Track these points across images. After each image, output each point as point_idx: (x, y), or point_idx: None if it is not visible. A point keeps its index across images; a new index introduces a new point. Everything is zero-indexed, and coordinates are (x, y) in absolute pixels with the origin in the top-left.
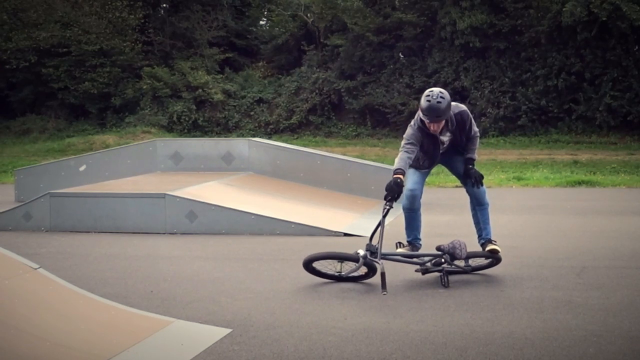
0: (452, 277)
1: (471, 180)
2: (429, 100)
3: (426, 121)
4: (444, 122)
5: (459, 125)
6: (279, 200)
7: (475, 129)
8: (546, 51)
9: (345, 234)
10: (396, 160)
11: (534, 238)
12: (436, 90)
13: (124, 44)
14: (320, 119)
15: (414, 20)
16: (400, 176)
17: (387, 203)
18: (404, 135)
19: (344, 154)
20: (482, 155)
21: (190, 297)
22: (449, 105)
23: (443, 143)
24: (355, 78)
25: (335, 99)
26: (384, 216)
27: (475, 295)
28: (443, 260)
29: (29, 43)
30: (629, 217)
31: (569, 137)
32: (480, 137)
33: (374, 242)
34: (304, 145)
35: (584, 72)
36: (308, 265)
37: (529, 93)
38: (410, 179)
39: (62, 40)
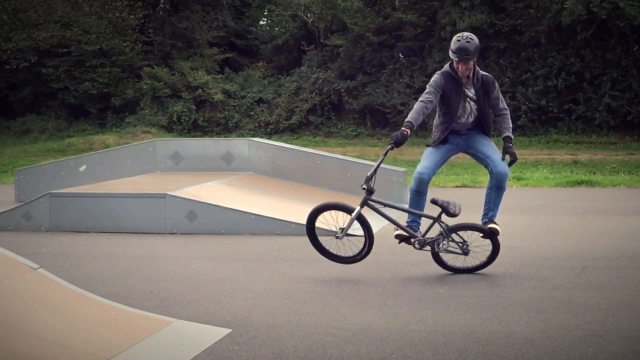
0: (452, 277)
1: (510, 158)
2: (459, 40)
3: (455, 61)
4: (472, 65)
5: (484, 86)
6: (279, 200)
7: (505, 105)
8: (546, 51)
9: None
10: (412, 110)
11: (534, 238)
12: (466, 33)
13: (124, 44)
14: (320, 119)
15: (414, 20)
16: (407, 130)
17: (390, 144)
18: (428, 83)
19: (344, 154)
20: None
21: (190, 297)
22: (477, 47)
23: (467, 99)
24: (355, 78)
25: (335, 99)
26: (385, 154)
27: (475, 295)
28: (441, 233)
29: (29, 43)
30: (629, 217)
31: (568, 137)
32: None
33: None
34: (304, 145)
35: (584, 72)
36: (312, 220)
37: (528, 93)
38: (422, 162)
39: (62, 40)
